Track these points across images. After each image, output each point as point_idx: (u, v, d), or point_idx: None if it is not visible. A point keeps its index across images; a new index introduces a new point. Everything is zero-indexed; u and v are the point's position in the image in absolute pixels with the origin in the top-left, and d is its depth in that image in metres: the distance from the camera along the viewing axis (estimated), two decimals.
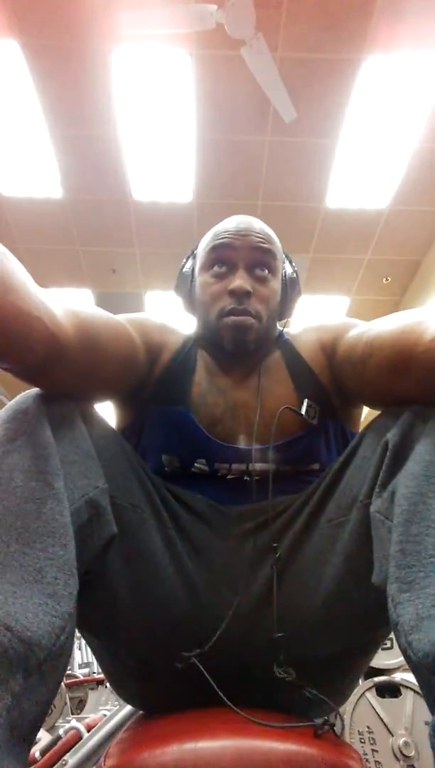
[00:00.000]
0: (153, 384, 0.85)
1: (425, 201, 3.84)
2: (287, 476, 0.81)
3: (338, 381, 0.84)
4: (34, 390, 0.65)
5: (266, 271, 0.87)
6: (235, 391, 0.85)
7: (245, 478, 0.81)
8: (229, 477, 0.82)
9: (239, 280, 0.82)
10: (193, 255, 0.96)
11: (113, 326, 0.75)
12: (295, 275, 0.95)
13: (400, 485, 0.57)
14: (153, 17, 2.65)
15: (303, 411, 0.80)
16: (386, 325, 0.73)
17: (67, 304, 0.66)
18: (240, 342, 0.83)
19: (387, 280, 4.60)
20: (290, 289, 0.93)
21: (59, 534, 0.53)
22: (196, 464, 0.82)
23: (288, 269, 0.95)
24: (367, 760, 1.12)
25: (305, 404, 0.81)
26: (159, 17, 2.65)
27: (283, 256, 0.94)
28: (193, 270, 0.93)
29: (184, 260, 0.97)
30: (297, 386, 0.85)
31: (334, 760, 0.55)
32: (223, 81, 3.10)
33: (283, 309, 0.94)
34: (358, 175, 3.66)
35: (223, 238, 0.86)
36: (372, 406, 0.81)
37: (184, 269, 0.96)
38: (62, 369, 0.64)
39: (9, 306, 0.53)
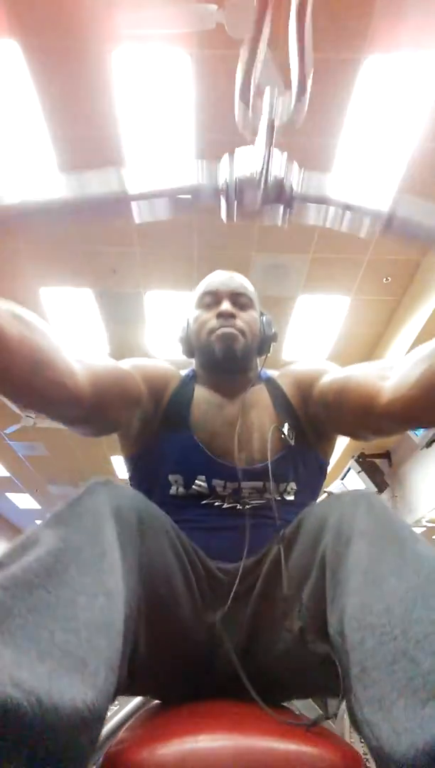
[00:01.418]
0: (159, 418, 1.00)
1: (426, 200, 3.83)
2: (268, 502, 0.94)
3: (312, 417, 1.01)
4: (102, 481, 0.70)
5: (246, 302, 1.06)
6: (229, 406, 1.01)
7: (238, 507, 0.93)
8: (224, 507, 0.94)
9: (225, 305, 1.02)
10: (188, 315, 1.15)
11: (122, 378, 0.93)
12: (270, 321, 1.11)
13: (347, 605, 0.59)
14: (153, 17, 2.65)
15: (285, 431, 0.97)
16: (353, 380, 0.91)
17: (86, 364, 0.84)
18: (229, 350, 1.00)
19: (387, 280, 4.60)
20: (267, 327, 1.10)
21: (106, 629, 0.52)
22: (196, 481, 0.96)
23: (264, 319, 1.11)
24: (366, 759, 1.12)
25: (286, 427, 0.98)
26: (159, 17, 2.65)
27: (259, 307, 1.11)
28: (188, 319, 1.12)
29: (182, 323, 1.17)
30: (278, 413, 1.01)
31: (334, 758, 0.55)
32: (223, 81, 3.09)
33: (262, 343, 1.11)
34: (358, 175, 3.66)
35: (210, 286, 1.07)
36: (346, 435, 1.02)
37: (182, 321, 1.15)
38: (82, 418, 0.85)
39: (43, 380, 0.72)
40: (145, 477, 1.02)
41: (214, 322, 1.02)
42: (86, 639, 0.49)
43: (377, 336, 5.34)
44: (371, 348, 5.52)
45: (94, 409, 0.84)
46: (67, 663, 0.46)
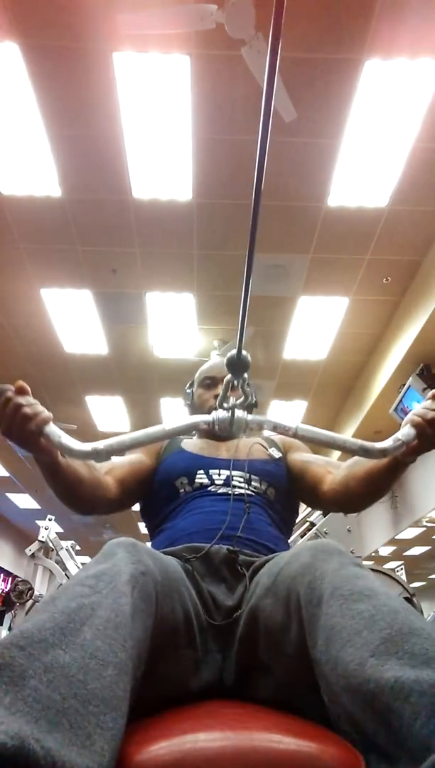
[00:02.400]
0: (160, 459, 1.27)
1: (425, 201, 3.84)
2: (257, 495, 1.15)
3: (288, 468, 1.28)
4: (123, 542, 0.76)
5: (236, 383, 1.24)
6: (218, 444, 1.28)
7: (230, 491, 1.11)
8: (219, 492, 1.13)
9: (221, 389, 1.22)
10: (192, 383, 1.47)
11: (135, 465, 1.23)
12: (253, 392, 1.34)
13: (322, 663, 0.64)
14: (153, 18, 2.66)
15: (269, 450, 1.26)
16: (312, 466, 1.22)
17: (114, 473, 1.17)
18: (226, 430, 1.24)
19: (387, 280, 4.60)
20: (250, 397, 1.29)
21: (113, 705, 0.53)
22: (197, 476, 1.17)
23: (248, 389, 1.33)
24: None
25: (272, 450, 1.27)
26: (159, 18, 2.65)
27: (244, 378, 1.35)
28: (192, 391, 1.45)
29: (187, 387, 1.49)
30: (267, 444, 1.29)
31: (334, 758, 0.55)
32: (223, 81, 3.10)
33: (249, 408, 1.34)
34: (358, 176, 3.66)
35: (210, 372, 1.41)
36: (301, 500, 1.28)
37: (187, 390, 1.48)
38: (117, 508, 1.18)
39: (96, 498, 1.09)
40: (157, 495, 1.21)
41: (212, 402, 1.32)
42: (93, 714, 0.51)
43: (377, 336, 5.34)
44: (371, 348, 5.52)
45: (122, 501, 1.17)
46: (76, 737, 0.48)
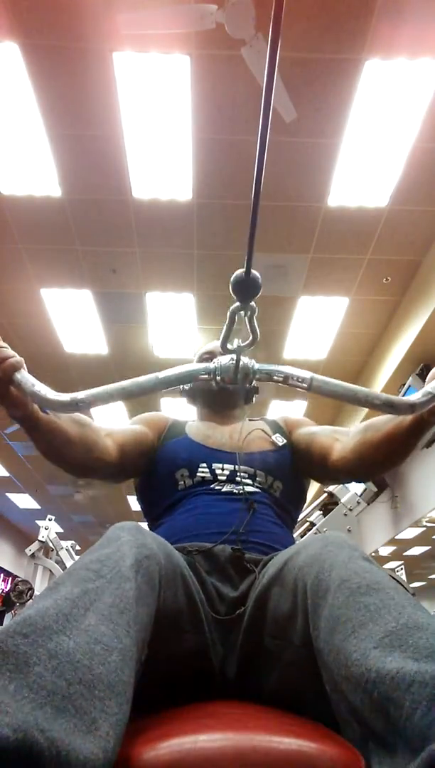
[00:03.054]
0: (161, 441, 1.22)
1: (425, 201, 3.84)
2: (262, 490, 1.11)
3: (293, 449, 1.23)
4: (126, 526, 0.75)
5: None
6: (221, 427, 1.23)
7: (234, 491, 1.08)
8: (223, 491, 1.08)
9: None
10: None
11: (137, 435, 1.18)
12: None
13: (324, 652, 0.64)
14: (153, 18, 2.66)
15: (273, 437, 1.20)
16: (318, 437, 1.17)
17: (113, 436, 1.11)
18: (224, 397, 1.23)
19: (387, 280, 4.60)
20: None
21: (118, 691, 0.53)
22: (199, 469, 1.11)
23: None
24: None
25: (277, 436, 1.21)
26: (159, 17, 2.65)
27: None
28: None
29: None
30: (271, 429, 1.25)
31: (334, 758, 0.55)
32: (223, 81, 3.10)
33: (248, 393, 1.32)
34: (358, 175, 3.67)
35: (208, 347, 1.38)
36: (311, 478, 1.25)
37: None
38: (114, 476, 1.14)
39: (90, 459, 1.02)
40: (155, 483, 1.17)
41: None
42: (99, 698, 0.51)
43: (377, 336, 5.34)
44: (371, 348, 5.52)
45: (122, 468, 1.12)
46: (81, 723, 0.48)
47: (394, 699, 0.51)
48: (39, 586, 5.57)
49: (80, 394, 0.76)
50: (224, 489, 1.09)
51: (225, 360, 0.90)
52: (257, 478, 1.12)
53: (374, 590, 0.64)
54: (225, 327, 0.85)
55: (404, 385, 5.02)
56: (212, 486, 1.09)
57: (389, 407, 0.78)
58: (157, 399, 6.51)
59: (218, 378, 0.89)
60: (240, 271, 0.79)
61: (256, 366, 0.89)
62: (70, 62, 3.02)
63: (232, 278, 0.79)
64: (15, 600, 5.23)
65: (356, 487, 4.56)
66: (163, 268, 4.53)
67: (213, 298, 4.85)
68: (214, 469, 1.12)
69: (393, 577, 2.98)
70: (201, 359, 1.34)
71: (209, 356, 1.33)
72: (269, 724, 0.62)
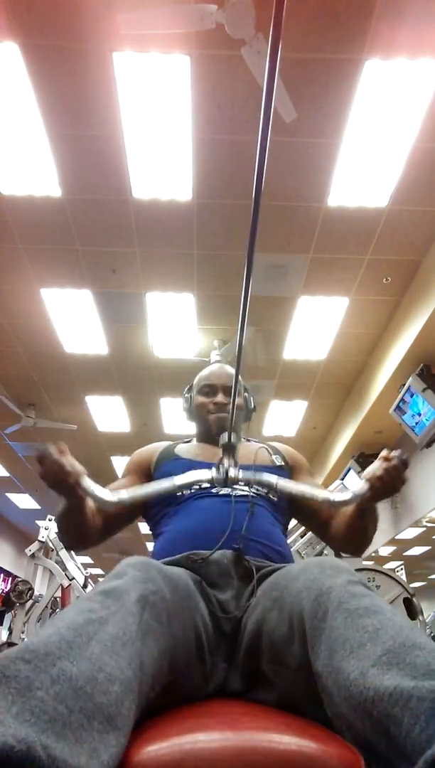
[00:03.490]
0: (154, 468, 1.29)
1: (425, 201, 3.84)
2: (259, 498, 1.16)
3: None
4: (132, 562, 0.77)
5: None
6: (215, 447, 1.21)
7: (230, 493, 1.13)
8: (221, 493, 1.13)
9: (220, 397, 1.38)
10: (190, 388, 1.48)
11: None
12: (252, 398, 1.48)
13: (324, 675, 0.64)
14: (153, 18, 2.65)
15: (272, 456, 1.30)
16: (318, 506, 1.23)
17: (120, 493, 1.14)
18: (220, 428, 1.27)
19: (387, 280, 4.60)
20: (249, 403, 1.47)
21: (117, 725, 0.53)
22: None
23: (247, 396, 1.47)
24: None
25: (276, 457, 1.30)
26: (159, 17, 2.65)
27: (244, 387, 1.46)
28: (191, 396, 1.47)
29: (185, 392, 1.49)
30: (270, 452, 1.32)
31: (333, 758, 0.55)
32: (223, 81, 3.10)
33: (248, 413, 1.46)
34: (358, 175, 3.66)
35: (209, 380, 1.42)
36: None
37: (186, 395, 1.49)
38: (99, 538, 1.20)
39: (86, 533, 1.14)
40: (155, 498, 1.20)
41: (211, 407, 1.37)
42: (98, 731, 0.51)
43: (377, 336, 5.34)
44: (371, 348, 5.52)
45: (109, 529, 1.21)
46: (81, 750, 0.48)
47: (393, 716, 0.51)
48: (39, 586, 5.56)
49: (123, 494, 1.03)
50: (222, 492, 1.14)
51: (216, 475, 1.06)
52: (254, 486, 1.17)
53: (372, 612, 0.64)
54: (217, 461, 1.07)
55: (404, 385, 5.02)
56: (211, 490, 1.15)
57: (328, 503, 1.03)
58: (157, 400, 6.51)
59: (214, 483, 1.08)
60: (224, 437, 1.06)
61: (240, 476, 1.06)
62: (70, 62, 3.02)
63: (220, 438, 1.07)
64: (15, 600, 5.22)
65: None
66: (163, 268, 4.53)
67: (213, 298, 4.85)
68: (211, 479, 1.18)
69: (393, 578, 2.98)
70: (200, 391, 1.42)
71: (209, 390, 1.40)
72: (269, 725, 0.62)
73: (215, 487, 1.15)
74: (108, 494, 1.01)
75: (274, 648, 0.80)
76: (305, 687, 0.70)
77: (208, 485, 1.16)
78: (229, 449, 1.06)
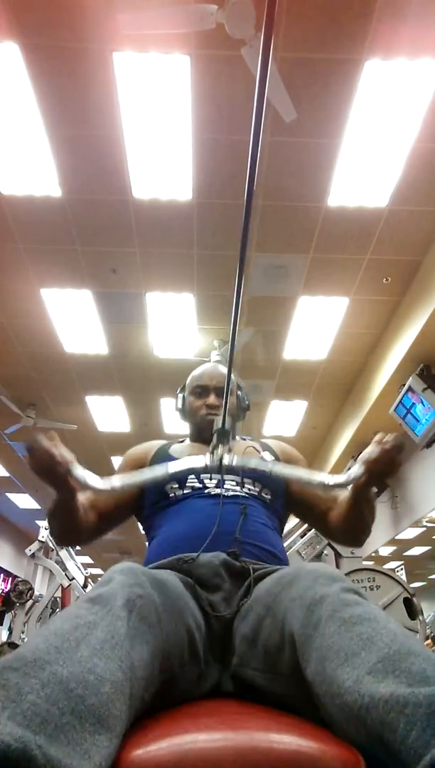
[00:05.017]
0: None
1: (425, 201, 3.84)
2: (251, 497, 1.16)
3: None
4: (120, 569, 0.76)
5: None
6: (208, 446, 1.21)
7: (222, 493, 1.12)
8: (213, 494, 1.13)
9: (211, 398, 1.37)
10: (183, 388, 1.46)
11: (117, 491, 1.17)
12: (245, 396, 1.48)
13: (316, 684, 0.65)
14: (153, 18, 2.65)
15: (262, 453, 1.29)
16: (313, 494, 1.25)
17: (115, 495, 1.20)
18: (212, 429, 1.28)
19: (387, 280, 4.60)
20: (242, 401, 1.47)
21: (109, 726, 0.53)
22: (188, 482, 1.18)
23: (240, 394, 1.47)
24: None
25: (267, 455, 1.29)
26: (159, 18, 2.65)
27: (237, 384, 1.48)
28: (183, 396, 1.45)
29: (178, 391, 1.47)
30: (262, 449, 1.32)
31: (333, 758, 0.55)
32: (223, 81, 3.10)
33: (241, 411, 1.46)
34: (358, 176, 3.66)
35: (201, 380, 1.40)
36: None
37: (179, 395, 1.47)
38: (90, 535, 1.22)
39: (78, 529, 1.14)
40: (148, 497, 1.22)
41: (203, 410, 1.36)
42: (90, 732, 0.51)
43: (377, 336, 5.34)
44: (371, 348, 5.52)
45: (100, 529, 1.22)
46: (73, 752, 0.48)
47: (389, 723, 0.50)
48: (39, 586, 5.56)
49: (115, 482, 1.01)
50: (214, 492, 1.14)
51: (211, 463, 1.05)
52: (245, 486, 1.18)
53: (366, 620, 0.64)
54: (211, 446, 1.06)
55: (404, 385, 5.02)
56: (203, 491, 1.15)
57: (323, 486, 1.05)
58: (157, 400, 6.51)
59: (207, 470, 1.06)
60: (219, 423, 1.08)
61: (235, 462, 1.05)
62: (70, 62, 3.02)
63: (213, 428, 1.08)
64: (15, 600, 5.22)
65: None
66: (163, 268, 4.53)
67: (213, 298, 4.85)
68: (202, 479, 1.18)
69: (393, 578, 2.98)
70: (193, 392, 1.41)
71: (201, 390, 1.39)
72: (269, 725, 0.62)
73: (208, 488, 1.15)
74: (100, 481, 0.99)
75: (268, 655, 0.80)
76: (299, 693, 0.70)
77: (200, 486, 1.16)
78: (223, 435, 1.06)
